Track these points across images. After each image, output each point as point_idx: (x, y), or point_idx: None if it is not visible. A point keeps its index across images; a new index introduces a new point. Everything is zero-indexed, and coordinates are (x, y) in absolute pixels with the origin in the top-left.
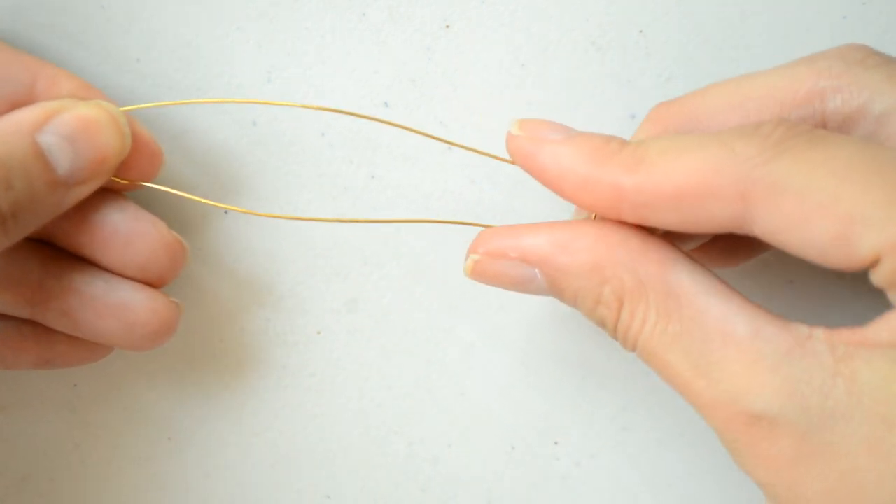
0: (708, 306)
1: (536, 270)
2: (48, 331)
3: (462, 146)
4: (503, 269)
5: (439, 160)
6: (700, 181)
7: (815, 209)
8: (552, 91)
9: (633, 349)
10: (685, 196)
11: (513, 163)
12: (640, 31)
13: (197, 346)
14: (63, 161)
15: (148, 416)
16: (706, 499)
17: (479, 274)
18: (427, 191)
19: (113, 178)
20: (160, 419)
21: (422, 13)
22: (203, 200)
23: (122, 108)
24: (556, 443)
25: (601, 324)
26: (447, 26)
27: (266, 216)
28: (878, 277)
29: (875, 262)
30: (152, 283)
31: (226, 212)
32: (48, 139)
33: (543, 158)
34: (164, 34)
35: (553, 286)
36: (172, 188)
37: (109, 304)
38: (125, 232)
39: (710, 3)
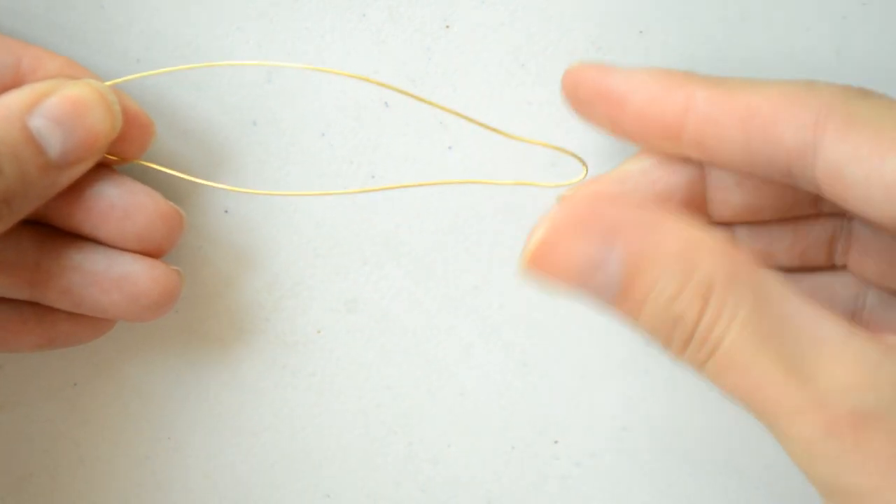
0: (799, 308)
1: (614, 252)
2: (49, 310)
3: (509, 134)
4: (576, 248)
5: (439, 160)
6: (777, 103)
7: (892, 143)
8: (552, 91)
9: (711, 355)
10: (757, 116)
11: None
12: (640, 32)
13: (197, 345)
14: (54, 143)
15: (148, 416)
16: (706, 499)
17: (541, 257)
18: (427, 190)
19: (106, 155)
20: (160, 419)
21: (422, 13)
22: (195, 180)
23: (108, 83)
24: (556, 443)
25: (674, 323)
26: (447, 26)
27: (260, 193)
28: None
29: None
30: (151, 254)
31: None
32: (38, 122)
33: (614, 77)
34: (164, 34)
35: (630, 271)
36: (168, 170)
37: (111, 277)
38: (122, 205)
39: (710, 3)
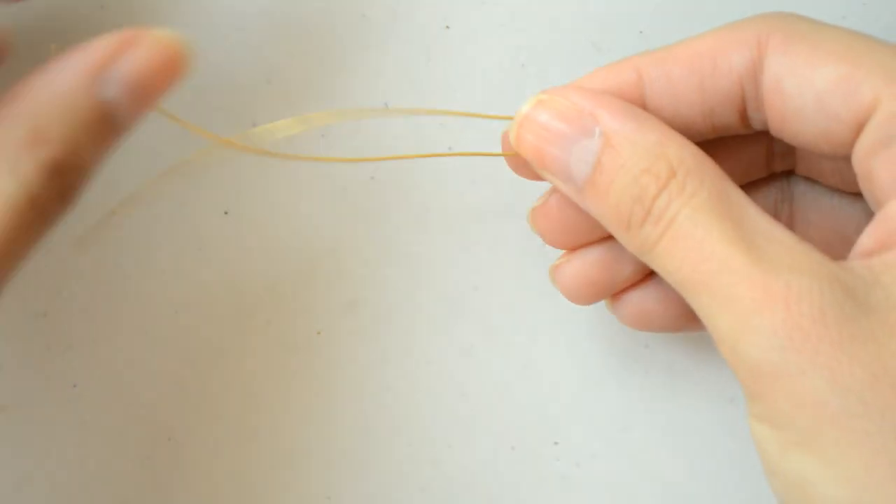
0: (756, 213)
1: (597, 128)
2: None
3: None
4: (564, 118)
5: (440, 160)
6: (721, 36)
7: (826, 54)
8: None
9: (665, 230)
10: (705, 53)
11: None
12: (640, 32)
13: (197, 346)
14: (123, 114)
15: (148, 416)
16: (706, 499)
17: (531, 121)
18: (427, 190)
19: None
20: (160, 419)
21: (422, 13)
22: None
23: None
24: (556, 443)
25: (636, 199)
26: (447, 27)
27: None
28: (867, 135)
29: (871, 111)
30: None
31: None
32: (110, 93)
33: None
34: None
35: (607, 148)
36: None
37: None
38: None
39: (710, 3)
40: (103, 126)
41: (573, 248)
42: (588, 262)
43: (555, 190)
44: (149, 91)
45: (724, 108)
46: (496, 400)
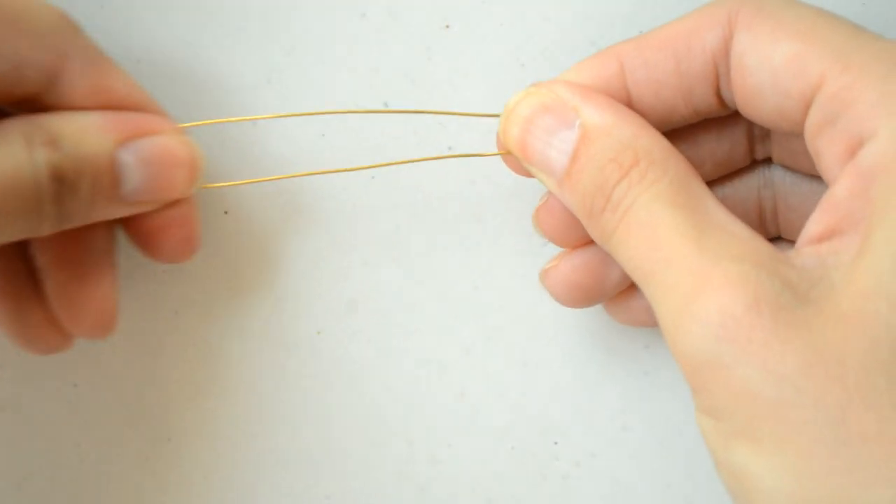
0: (715, 206)
1: (578, 121)
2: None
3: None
4: (546, 109)
5: (440, 161)
6: (695, 17)
7: (786, 31)
8: None
9: (623, 217)
10: (681, 34)
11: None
12: (640, 32)
13: (197, 346)
14: (131, 182)
15: (148, 417)
16: (706, 499)
17: (517, 114)
18: (427, 191)
19: None
20: (160, 419)
21: (422, 13)
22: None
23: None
24: (556, 443)
25: (600, 185)
26: (447, 26)
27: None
28: (813, 113)
29: (817, 89)
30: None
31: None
32: (127, 158)
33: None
34: (164, 34)
35: (584, 139)
36: None
37: None
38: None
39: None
40: (108, 178)
41: (577, 246)
42: (575, 267)
43: None
44: (158, 174)
45: (700, 88)
46: (496, 400)
